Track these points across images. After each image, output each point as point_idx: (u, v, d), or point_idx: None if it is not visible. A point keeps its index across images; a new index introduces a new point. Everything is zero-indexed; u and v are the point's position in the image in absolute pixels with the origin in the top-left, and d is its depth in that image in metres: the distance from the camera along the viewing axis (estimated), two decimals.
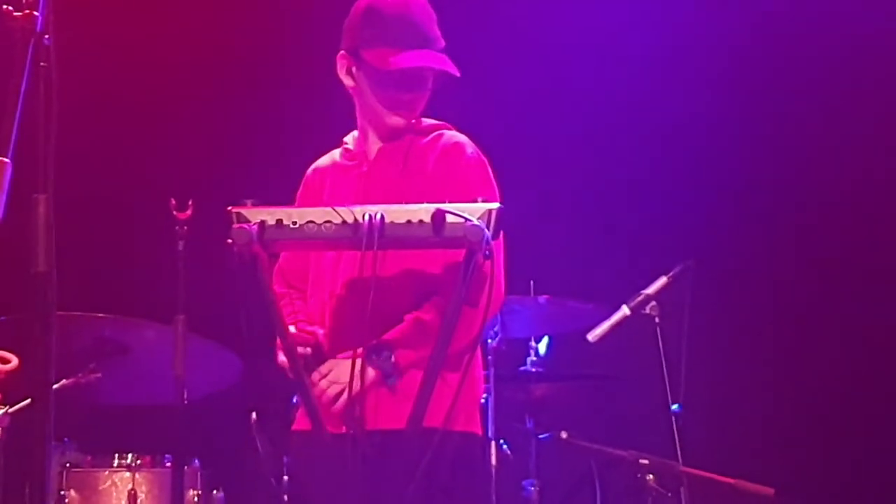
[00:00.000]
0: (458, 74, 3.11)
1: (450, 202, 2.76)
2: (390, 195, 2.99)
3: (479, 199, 2.81)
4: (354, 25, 3.16)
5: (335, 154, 3.30)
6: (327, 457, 2.97)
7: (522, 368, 4.90)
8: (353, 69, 3.16)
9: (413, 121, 3.20)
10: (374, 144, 3.21)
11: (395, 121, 3.16)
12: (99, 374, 4.22)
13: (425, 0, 3.17)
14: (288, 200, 3.22)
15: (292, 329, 3.01)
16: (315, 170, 3.30)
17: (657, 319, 4.30)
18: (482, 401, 3.79)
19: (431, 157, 3.15)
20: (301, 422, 3.14)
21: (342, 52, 3.19)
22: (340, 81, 3.21)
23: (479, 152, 3.19)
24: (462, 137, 3.20)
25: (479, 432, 3.19)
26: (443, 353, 2.85)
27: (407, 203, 2.79)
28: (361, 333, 2.84)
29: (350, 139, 3.28)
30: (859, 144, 5.70)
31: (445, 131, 3.22)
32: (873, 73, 5.69)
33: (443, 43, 3.15)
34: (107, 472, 4.26)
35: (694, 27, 5.74)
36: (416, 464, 2.83)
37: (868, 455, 5.61)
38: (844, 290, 5.71)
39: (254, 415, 3.15)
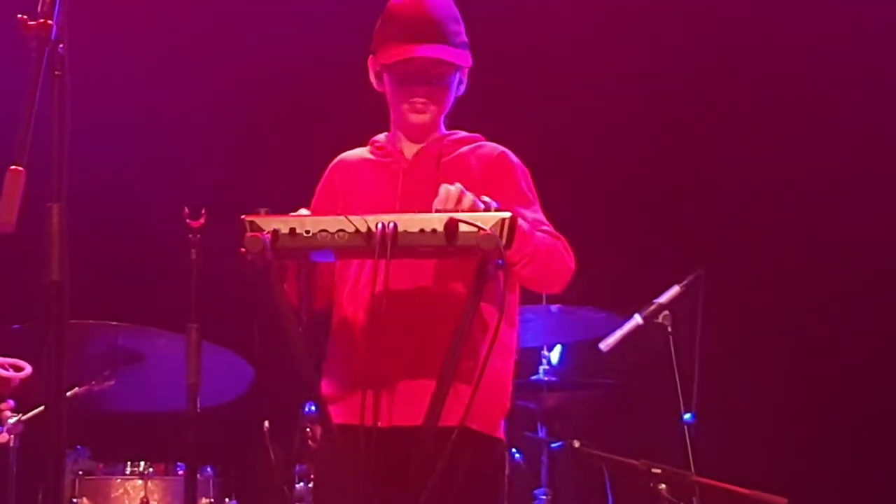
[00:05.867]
0: (463, 64, 3.17)
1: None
2: (428, 196, 2.98)
3: (494, 207, 2.82)
4: (378, 28, 3.24)
5: (362, 151, 3.32)
6: (340, 452, 2.97)
7: (535, 377, 4.89)
8: (381, 72, 3.22)
9: (439, 121, 3.23)
10: (409, 146, 3.24)
11: (416, 119, 3.19)
12: (112, 382, 4.23)
13: (450, 0, 3.22)
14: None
15: None
16: (342, 162, 3.31)
17: (670, 329, 4.30)
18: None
19: (475, 163, 3.19)
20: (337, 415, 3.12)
21: (371, 56, 3.25)
22: (373, 88, 3.28)
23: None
24: (503, 147, 3.26)
25: (503, 438, 3.19)
26: (458, 352, 2.86)
27: None
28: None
29: (382, 137, 3.31)
30: (874, 151, 5.69)
31: (486, 142, 3.27)
32: (889, 77, 5.68)
33: (464, 38, 3.20)
34: (119, 480, 4.27)
35: (707, 33, 5.73)
36: (432, 461, 2.85)
37: (883, 466, 5.59)
38: (859, 299, 5.69)
39: (266, 423, 3.14)
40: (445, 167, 3.18)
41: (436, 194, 2.93)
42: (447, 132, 3.27)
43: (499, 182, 3.14)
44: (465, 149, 3.24)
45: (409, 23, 3.15)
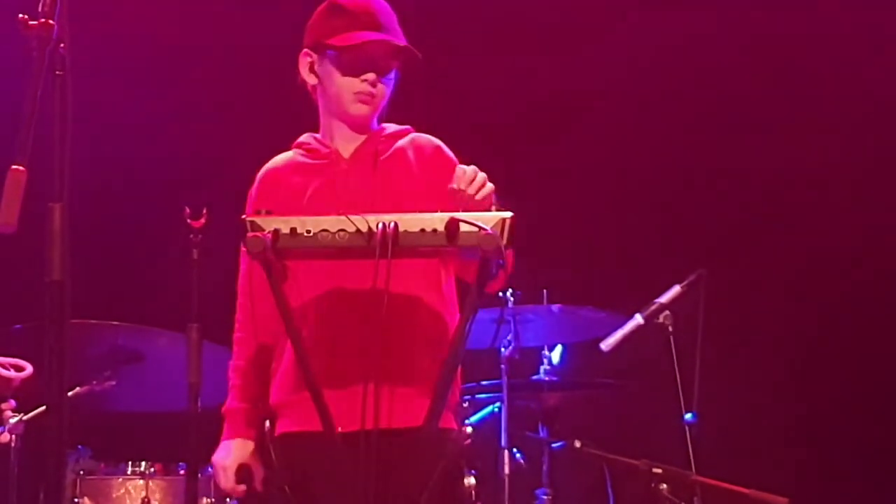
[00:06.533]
0: (420, 57, 3.16)
1: (442, 207, 2.82)
2: (372, 194, 3.05)
3: (493, 207, 2.82)
4: (318, 21, 3.23)
5: (288, 155, 3.28)
6: (336, 456, 2.97)
7: (535, 377, 4.89)
8: (316, 65, 3.21)
9: (377, 115, 3.22)
10: (344, 143, 3.21)
11: (359, 108, 3.17)
12: (113, 382, 4.23)
13: (386, 3, 3.23)
14: None
15: None
16: (272, 171, 3.26)
17: (670, 328, 4.30)
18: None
19: (413, 158, 3.18)
20: (285, 424, 3.12)
21: (305, 50, 3.24)
22: (301, 85, 3.27)
23: None
24: (437, 140, 3.24)
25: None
26: (459, 355, 2.87)
27: (390, 203, 2.87)
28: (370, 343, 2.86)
29: (308, 139, 3.27)
30: (874, 151, 5.69)
31: (416, 133, 3.26)
32: (887, 82, 5.69)
33: (404, 39, 3.19)
34: (120, 480, 4.27)
35: (706, 34, 5.73)
36: (432, 462, 2.87)
37: (885, 466, 5.60)
38: (859, 299, 5.69)
39: (267, 423, 3.14)
40: (384, 165, 3.17)
41: (377, 193, 3.02)
42: (379, 127, 3.25)
43: (439, 178, 3.09)
44: (400, 143, 3.22)
45: (362, 13, 3.15)
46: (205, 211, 3.50)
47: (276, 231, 2.78)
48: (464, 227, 2.75)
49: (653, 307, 4.33)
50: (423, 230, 2.77)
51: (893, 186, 5.65)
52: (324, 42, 3.18)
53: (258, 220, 2.79)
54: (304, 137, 3.29)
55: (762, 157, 5.80)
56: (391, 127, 3.26)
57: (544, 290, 4.75)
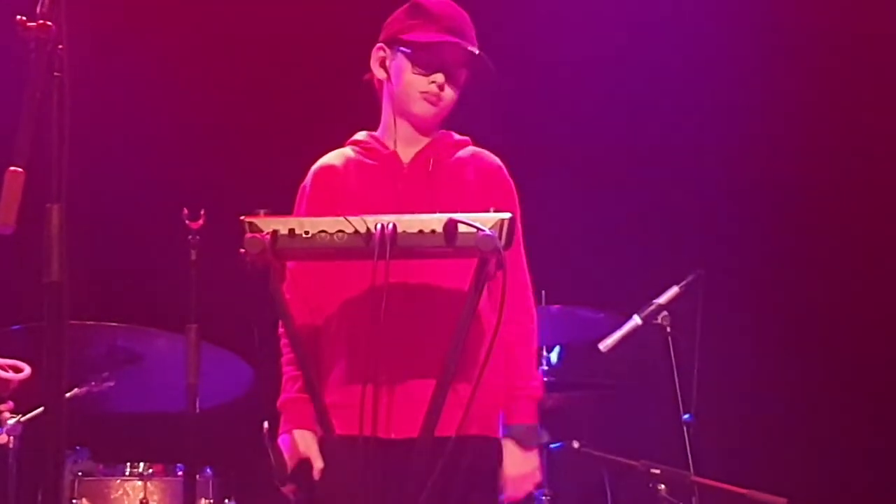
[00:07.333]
0: (493, 68, 3.15)
1: None
2: (428, 201, 3.02)
3: (492, 209, 2.82)
4: (398, 17, 3.22)
5: (346, 152, 3.26)
6: (340, 461, 2.96)
7: None
8: (388, 60, 3.20)
9: (441, 120, 3.21)
10: (403, 146, 3.20)
11: (424, 108, 3.16)
12: (111, 383, 4.23)
13: (466, 14, 3.23)
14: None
15: None
16: (326, 168, 3.23)
17: (669, 329, 4.31)
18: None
19: (471, 174, 3.19)
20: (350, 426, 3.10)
21: (379, 44, 3.23)
22: (368, 81, 3.26)
23: None
24: (498, 160, 3.26)
25: (499, 436, 3.17)
26: (455, 361, 2.85)
27: (444, 211, 2.82)
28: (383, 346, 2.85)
29: (366, 138, 3.26)
30: (875, 150, 5.69)
31: (477, 148, 3.26)
32: (889, 78, 5.69)
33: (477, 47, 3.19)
34: (119, 481, 4.26)
35: (704, 35, 5.73)
36: (429, 472, 2.84)
37: (883, 466, 5.60)
38: (859, 300, 5.69)
39: (266, 424, 3.14)
40: (443, 174, 3.17)
41: (431, 201, 3.00)
42: (442, 133, 3.25)
43: (497, 201, 3.05)
44: (461, 153, 3.22)
45: (443, 16, 3.15)
46: (203, 212, 3.50)
47: (275, 232, 2.78)
48: (462, 229, 2.75)
49: (651, 308, 4.34)
50: (421, 231, 2.77)
51: (893, 184, 5.65)
52: (399, 38, 3.17)
53: (256, 220, 2.79)
54: (361, 135, 3.27)
55: (760, 155, 5.80)
56: (453, 136, 3.26)
57: (542, 291, 4.75)
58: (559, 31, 5.76)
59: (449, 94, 3.17)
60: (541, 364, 4.90)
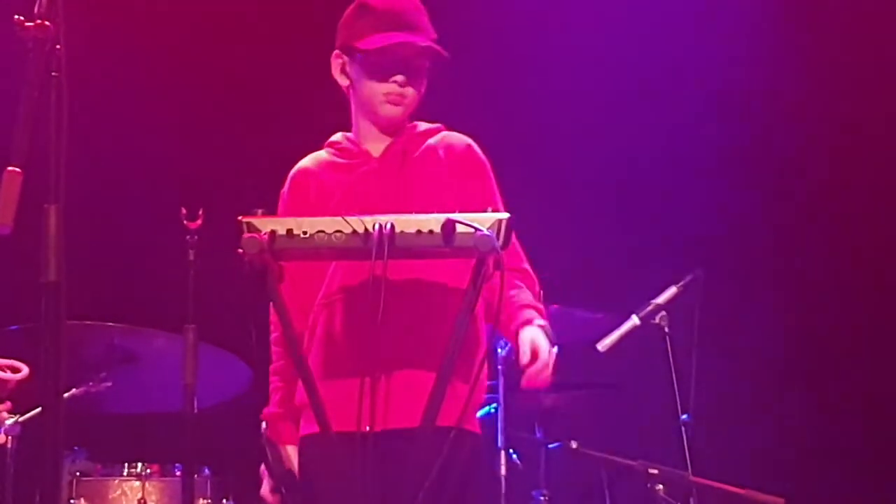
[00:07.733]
0: (446, 55, 3.13)
1: (472, 207, 2.84)
2: (402, 193, 3.04)
3: (489, 209, 2.82)
4: (347, 22, 3.21)
5: (320, 155, 3.26)
6: (336, 457, 2.96)
7: None
8: (347, 66, 3.19)
9: (408, 116, 3.20)
10: (375, 143, 3.20)
11: (390, 110, 3.15)
12: (109, 383, 4.23)
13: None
14: None
15: None
16: (302, 171, 3.24)
17: (667, 329, 4.31)
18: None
19: (443, 157, 3.18)
20: (307, 426, 3.12)
21: (336, 51, 3.22)
22: (336, 85, 3.24)
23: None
24: (468, 139, 3.24)
25: (479, 432, 3.19)
26: (454, 359, 2.85)
27: (419, 202, 2.83)
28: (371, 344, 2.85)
29: (341, 139, 3.26)
30: (874, 152, 5.69)
31: (448, 131, 3.25)
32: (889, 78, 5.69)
33: (434, 34, 3.17)
34: (117, 481, 4.27)
35: (702, 33, 5.74)
36: (429, 462, 2.84)
37: (880, 466, 5.60)
38: (857, 300, 5.70)
39: (264, 424, 3.15)
40: (414, 163, 3.16)
41: (406, 192, 3.04)
42: (409, 125, 3.23)
43: (470, 180, 3.13)
44: (430, 141, 3.21)
45: (389, 13, 3.13)
46: (201, 212, 3.50)
47: (273, 232, 2.78)
48: (460, 228, 2.75)
49: (649, 308, 4.34)
50: (419, 231, 2.77)
51: (893, 183, 5.66)
52: (351, 45, 3.16)
53: (255, 220, 2.79)
54: (336, 137, 3.28)
55: (759, 155, 5.80)
56: (422, 125, 3.25)
57: (540, 291, 4.74)
58: (559, 30, 5.76)
59: (411, 91, 3.16)
60: None
